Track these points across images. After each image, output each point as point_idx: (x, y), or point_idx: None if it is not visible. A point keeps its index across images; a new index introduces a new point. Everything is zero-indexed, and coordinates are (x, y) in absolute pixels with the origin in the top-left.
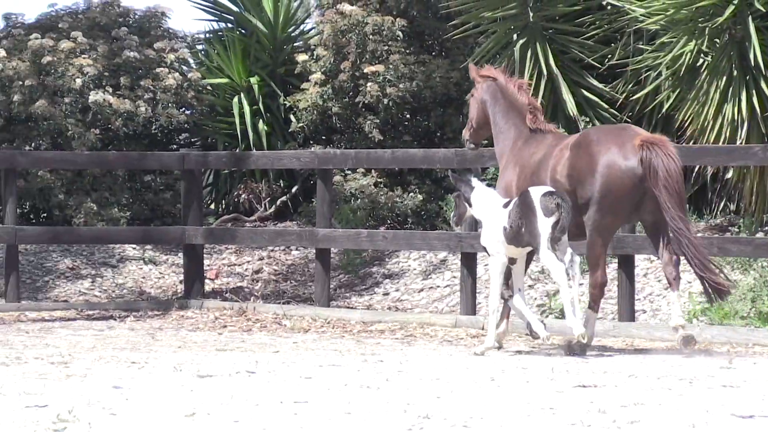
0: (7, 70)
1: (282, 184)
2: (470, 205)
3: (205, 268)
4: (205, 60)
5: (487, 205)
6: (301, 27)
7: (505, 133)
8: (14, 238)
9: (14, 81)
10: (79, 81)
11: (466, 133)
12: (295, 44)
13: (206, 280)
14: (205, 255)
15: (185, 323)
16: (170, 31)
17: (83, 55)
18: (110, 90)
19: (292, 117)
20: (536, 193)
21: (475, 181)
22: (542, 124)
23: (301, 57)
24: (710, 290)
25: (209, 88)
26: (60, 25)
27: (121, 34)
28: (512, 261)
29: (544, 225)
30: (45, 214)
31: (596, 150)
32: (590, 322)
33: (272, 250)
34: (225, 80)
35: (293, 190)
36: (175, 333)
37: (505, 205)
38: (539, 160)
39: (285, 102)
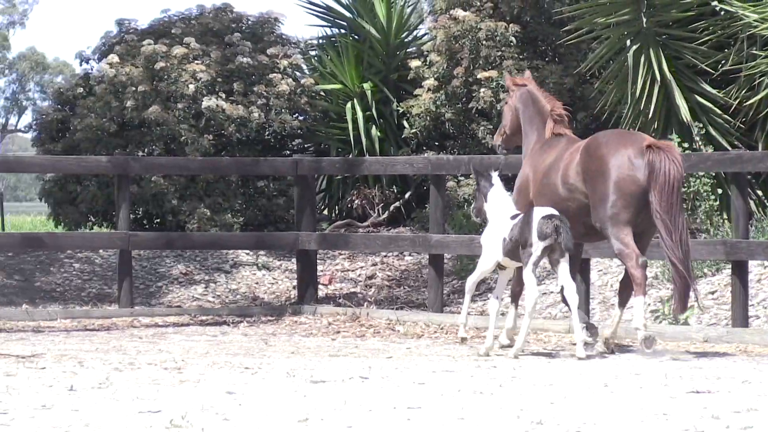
0: (120, 76)
1: (395, 190)
2: (486, 201)
3: (318, 273)
4: (318, 66)
5: (498, 209)
6: (414, 33)
7: (529, 137)
8: (127, 243)
9: (127, 87)
10: (192, 87)
11: (498, 138)
12: (408, 50)
13: (319, 286)
14: (318, 260)
15: (298, 329)
16: (283, 36)
17: (196, 61)
18: (223, 96)
19: (404, 123)
20: (537, 214)
21: (495, 179)
22: (561, 129)
23: (414, 63)
24: (677, 300)
25: (322, 93)
26: (173, 31)
27: (234, 40)
28: (501, 266)
29: (536, 247)
30: (158, 220)
31: (606, 152)
32: (639, 310)
33: (385, 256)
34: (338, 86)
35: (406, 195)
36: (288, 338)
37: (513, 217)
38: (551, 163)
39: (398, 108)
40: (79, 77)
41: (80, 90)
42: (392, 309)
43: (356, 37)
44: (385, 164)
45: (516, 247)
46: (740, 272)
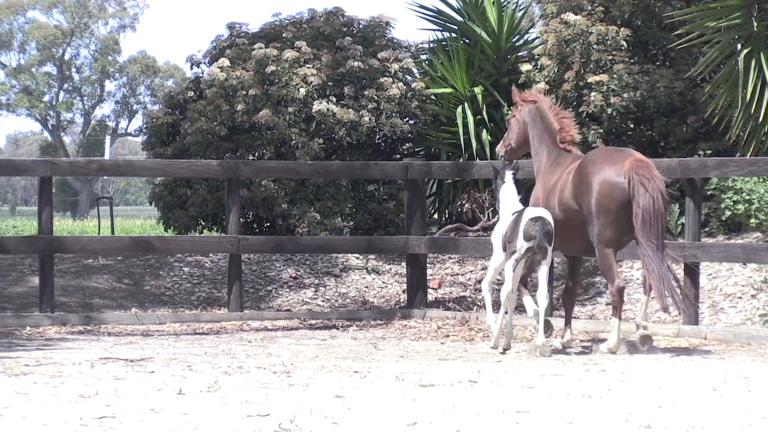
0: (231, 80)
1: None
2: (498, 199)
3: (427, 277)
4: (429, 69)
5: (504, 207)
6: (525, 36)
7: (540, 154)
8: (237, 247)
9: (238, 90)
10: (302, 90)
11: (501, 149)
12: (518, 54)
13: (429, 290)
14: (427, 264)
15: (408, 332)
16: (394, 40)
17: (307, 65)
18: (334, 99)
19: None
20: (527, 214)
21: (508, 177)
22: (569, 147)
23: (525, 67)
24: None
25: (433, 97)
26: (284, 35)
27: (345, 44)
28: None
29: (520, 246)
30: (268, 224)
31: (591, 170)
32: (614, 330)
33: None
34: (449, 90)
35: None
36: (397, 342)
37: (513, 213)
38: (554, 182)
39: (508, 111)
40: (190, 81)
41: (191, 93)
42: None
43: (467, 40)
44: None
45: (507, 244)
46: (690, 272)
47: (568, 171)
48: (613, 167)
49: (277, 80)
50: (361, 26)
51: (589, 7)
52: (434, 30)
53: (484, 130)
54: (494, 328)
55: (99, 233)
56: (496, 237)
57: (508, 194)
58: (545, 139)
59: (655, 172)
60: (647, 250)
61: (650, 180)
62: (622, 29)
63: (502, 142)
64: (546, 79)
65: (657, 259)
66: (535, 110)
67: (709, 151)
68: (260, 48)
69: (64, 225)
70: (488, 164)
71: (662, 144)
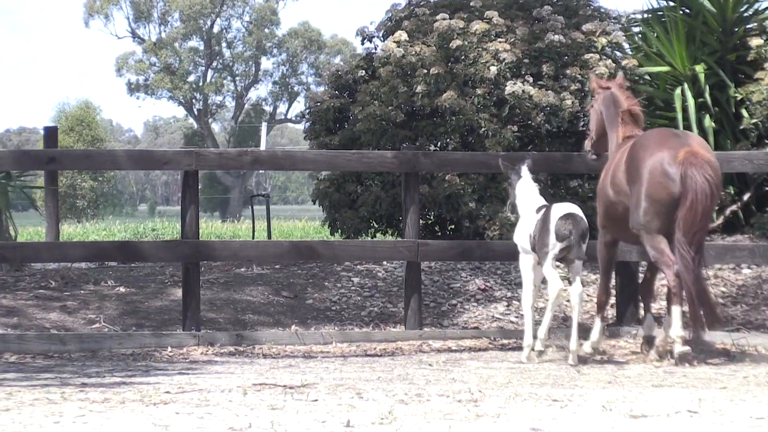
0: (410, 56)
1: (731, 191)
2: (515, 195)
3: None
4: (642, 44)
5: (524, 203)
6: (756, 5)
7: (612, 141)
8: (416, 254)
9: (417, 69)
10: (493, 69)
11: (587, 144)
12: (747, 26)
13: (640, 303)
14: (639, 273)
15: (616, 353)
16: (601, 10)
17: (499, 39)
18: (530, 80)
19: (743, 112)
20: (556, 212)
21: (524, 171)
22: (632, 130)
23: (755, 41)
24: (696, 320)
25: (647, 77)
26: (471, 3)
27: (543, 14)
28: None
29: (554, 247)
30: (452, 226)
31: (643, 155)
32: (675, 318)
33: (719, 269)
34: (665, 68)
35: (744, 197)
36: (603, 365)
37: (537, 210)
38: (607, 166)
39: (735, 94)
40: (360, 58)
41: (361, 73)
42: (727, 331)
43: (687, 11)
44: (720, 160)
45: (536, 243)
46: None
47: (622, 151)
48: (667, 154)
49: (463, 57)
50: None
51: None
52: None
53: (707, 116)
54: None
55: (253, 237)
56: (522, 237)
57: (526, 190)
58: (614, 124)
59: (709, 169)
60: (685, 250)
61: (705, 179)
62: None
63: (588, 136)
64: None
65: (693, 263)
66: (609, 96)
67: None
68: (444, 19)
69: (211, 227)
70: (525, 155)
71: None
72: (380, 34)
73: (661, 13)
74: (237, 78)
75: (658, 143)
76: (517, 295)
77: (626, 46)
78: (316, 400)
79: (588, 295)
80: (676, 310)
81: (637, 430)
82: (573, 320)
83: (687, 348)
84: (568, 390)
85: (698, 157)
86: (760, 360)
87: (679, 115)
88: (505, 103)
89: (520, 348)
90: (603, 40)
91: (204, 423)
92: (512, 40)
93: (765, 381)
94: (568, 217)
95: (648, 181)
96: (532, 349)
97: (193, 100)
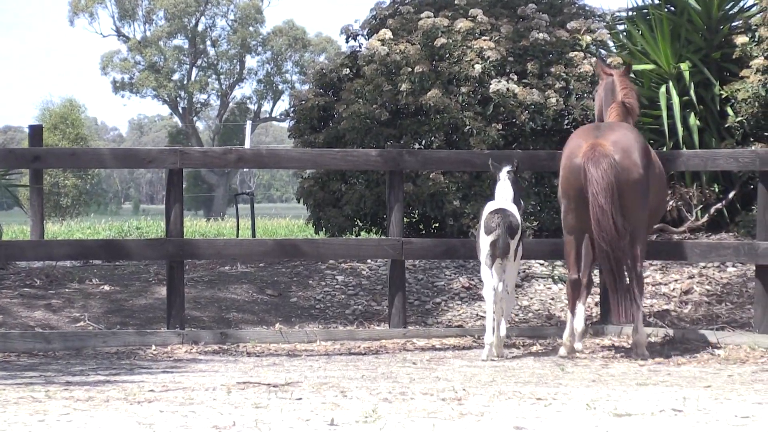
0: (394, 55)
1: (716, 189)
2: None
3: None
4: (627, 42)
5: (488, 206)
6: (741, 3)
7: None
8: (400, 252)
9: (402, 67)
10: (478, 67)
11: None
12: (732, 24)
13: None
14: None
15: (601, 352)
16: (586, 8)
17: (483, 37)
18: (515, 78)
19: (728, 110)
20: (487, 209)
21: (502, 173)
22: (621, 118)
23: (740, 39)
24: (612, 310)
25: (632, 75)
26: (456, 2)
27: (528, 12)
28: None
29: (483, 242)
30: (437, 224)
31: (563, 150)
32: (567, 324)
33: (704, 267)
34: (650, 66)
35: (729, 195)
36: (588, 364)
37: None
38: None
39: (720, 92)
40: (345, 56)
41: (346, 71)
42: (711, 329)
43: (672, 8)
44: (705, 158)
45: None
46: None
47: None
48: (576, 148)
49: (447, 55)
50: None
51: None
52: None
53: (692, 114)
54: (487, 338)
55: (237, 235)
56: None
57: (499, 192)
58: (608, 111)
59: (604, 161)
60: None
61: (597, 167)
62: None
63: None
64: (765, 54)
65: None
66: (611, 83)
67: None
68: (428, 17)
69: (196, 226)
70: (512, 154)
71: None
72: (365, 32)
73: (645, 10)
74: (222, 76)
75: (576, 137)
76: None
77: (611, 44)
78: (300, 399)
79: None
80: (569, 316)
81: (622, 429)
82: (487, 316)
83: (563, 352)
84: (552, 388)
85: (596, 150)
86: (745, 358)
87: (664, 113)
88: (489, 101)
89: (505, 346)
90: (588, 38)
91: (188, 421)
92: (497, 38)
93: (749, 380)
94: (497, 212)
95: (560, 177)
96: (491, 347)
97: (178, 99)
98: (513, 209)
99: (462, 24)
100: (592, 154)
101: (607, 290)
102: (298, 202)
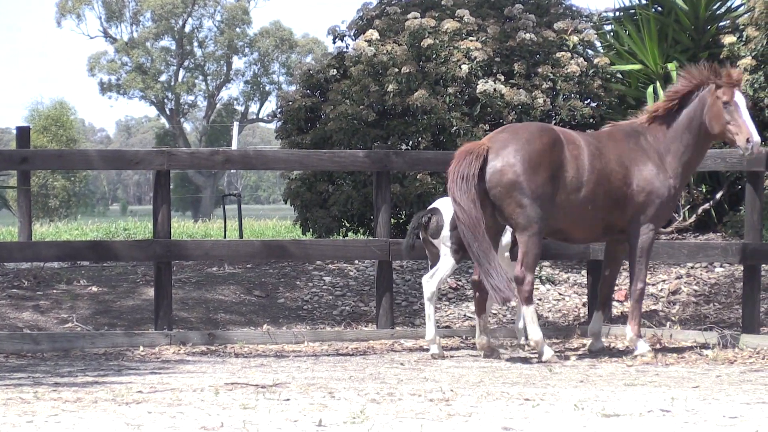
0: (381, 55)
1: (704, 190)
2: None
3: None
4: (614, 43)
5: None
6: (728, 3)
7: None
8: (388, 253)
9: (389, 68)
10: (465, 68)
11: None
12: (720, 24)
13: (614, 303)
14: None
15: (588, 353)
16: (573, 8)
17: (470, 38)
18: (502, 78)
19: None
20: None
21: None
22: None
23: (728, 39)
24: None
25: (619, 75)
26: (443, 2)
27: (515, 12)
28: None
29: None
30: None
31: None
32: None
33: (692, 267)
34: (637, 66)
35: (717, 196)
36: (576, 364)
37: None
38: None
39: None
40: (332, 57)
41: (333, 72)
42: (699, 330)
43: (659, 8)
44: None
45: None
46: None
47: None
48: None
49: (434, 56)
50: None
51: None
52: None
53: None
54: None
55: (225, 236)
56: None
57: None
58: None
59: (467, 157)
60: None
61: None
62: None
63: None
64: (753, 54)
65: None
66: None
67: None
68: (415, 18)
69: (183, 227)
70: None
71: None
72: (352, 33)
73: (633, 11)
74: (208, 77)
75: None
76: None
77: (598, 44)
78: (288, 400)
79: (560, 294)
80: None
81: (610, 429)
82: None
83: (483, 352)
84: (540, 389)
85: (461, 152)
86: (733, 359)
87: None
88: (476, 101)
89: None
90: (575, 39)
91: (176, 422)
92: (483, 38)
93: (738, 380)
94: (432, 209)
95: None
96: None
97: (165, 100)
98: (442, 206)
99: (449, 24)
100: (458, 155)
101: (594, 291)
102: (285, 203)
